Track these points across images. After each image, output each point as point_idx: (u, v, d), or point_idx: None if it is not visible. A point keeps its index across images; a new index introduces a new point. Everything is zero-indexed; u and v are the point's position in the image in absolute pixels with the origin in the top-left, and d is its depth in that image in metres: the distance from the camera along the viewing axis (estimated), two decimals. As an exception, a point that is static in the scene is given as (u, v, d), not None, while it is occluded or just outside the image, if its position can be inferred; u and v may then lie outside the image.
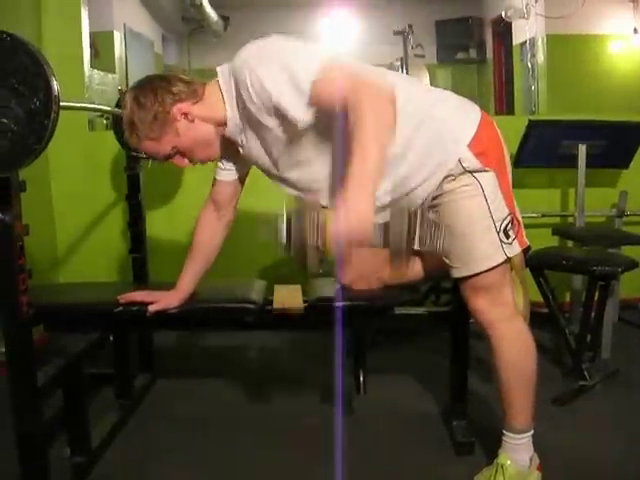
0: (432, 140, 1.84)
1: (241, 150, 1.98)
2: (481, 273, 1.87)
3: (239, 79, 1.75)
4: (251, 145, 1.94)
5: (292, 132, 1.79)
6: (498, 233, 1.86)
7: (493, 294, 1.91)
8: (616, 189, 3.79)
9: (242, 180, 2.16)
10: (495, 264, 1.87)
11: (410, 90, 1.88)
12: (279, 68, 1.69)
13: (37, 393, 1.87)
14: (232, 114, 1.87)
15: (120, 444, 2.39)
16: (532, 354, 1.95)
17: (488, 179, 1.85)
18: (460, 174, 1.84)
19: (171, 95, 1.84)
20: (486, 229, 1.86)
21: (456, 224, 1.87)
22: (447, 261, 1.93)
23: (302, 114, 1.71)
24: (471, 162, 1.83)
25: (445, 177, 1.85)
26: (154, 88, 1.85)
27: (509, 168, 1.96)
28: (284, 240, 1.56)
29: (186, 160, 1.94)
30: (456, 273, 1.93)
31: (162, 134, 1.85)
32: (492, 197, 1.85)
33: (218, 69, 1.88)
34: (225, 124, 1.89)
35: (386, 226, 1.56)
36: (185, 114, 1.85)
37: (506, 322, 1.92)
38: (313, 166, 1.89)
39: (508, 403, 1.96)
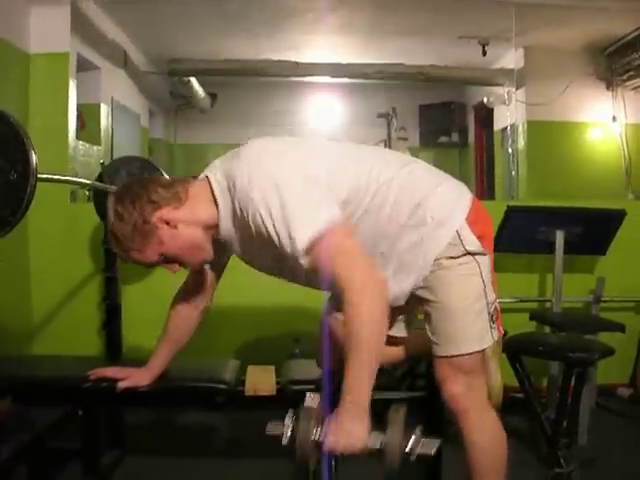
0: (425, 228, 1.80)
1: (234, 250, 1.92)
2: (466, 354, 1.83)
3: (239, 196, 1.69)
4: (245, 247, 1.87)
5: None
6: (489, 316, 1.84)
7: (471, 379, 1.86)
8: (593, 275, 3.82)
9: (221, 270, 2.12)
10: (484, 347, 1.85)
11: (409, 174, 1.85)
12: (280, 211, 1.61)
13: (-2, 470, 1.81)
14: (225, 214, 1.79)
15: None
16: (503, 443, 1.91)
17: (485, 261, 1.85)
18: (460, 255, 1.80)
19: (150, 203, 1.74)
20: (480, 310, 1.83)
21: (450, 300, 1.83)
22: (432, 338, 1.88)
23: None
24: (474, 244, 1.80)
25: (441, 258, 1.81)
26: (132, 198, 1.75)
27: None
28: (288, 436, 1.51)
29: (177, 265, 1.85)
30: (440, 351, 1.86)
31: (145, 245, 1.76)
32: (487, 279, 1.84)
33: (209, 174, 1.80)
34: (216, 226, 1.81)
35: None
36: (167, 221, 1.76)
37: (479, 411, 1.89)
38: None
39: (478, 491, 1.92)
